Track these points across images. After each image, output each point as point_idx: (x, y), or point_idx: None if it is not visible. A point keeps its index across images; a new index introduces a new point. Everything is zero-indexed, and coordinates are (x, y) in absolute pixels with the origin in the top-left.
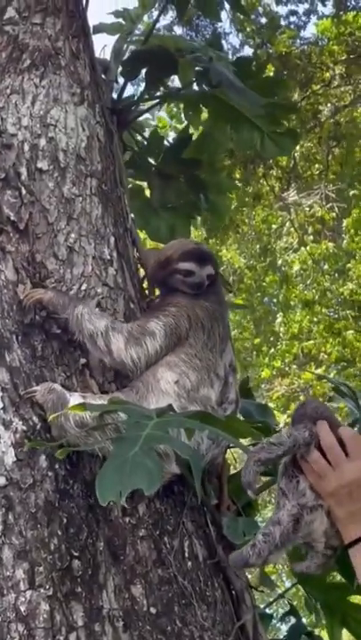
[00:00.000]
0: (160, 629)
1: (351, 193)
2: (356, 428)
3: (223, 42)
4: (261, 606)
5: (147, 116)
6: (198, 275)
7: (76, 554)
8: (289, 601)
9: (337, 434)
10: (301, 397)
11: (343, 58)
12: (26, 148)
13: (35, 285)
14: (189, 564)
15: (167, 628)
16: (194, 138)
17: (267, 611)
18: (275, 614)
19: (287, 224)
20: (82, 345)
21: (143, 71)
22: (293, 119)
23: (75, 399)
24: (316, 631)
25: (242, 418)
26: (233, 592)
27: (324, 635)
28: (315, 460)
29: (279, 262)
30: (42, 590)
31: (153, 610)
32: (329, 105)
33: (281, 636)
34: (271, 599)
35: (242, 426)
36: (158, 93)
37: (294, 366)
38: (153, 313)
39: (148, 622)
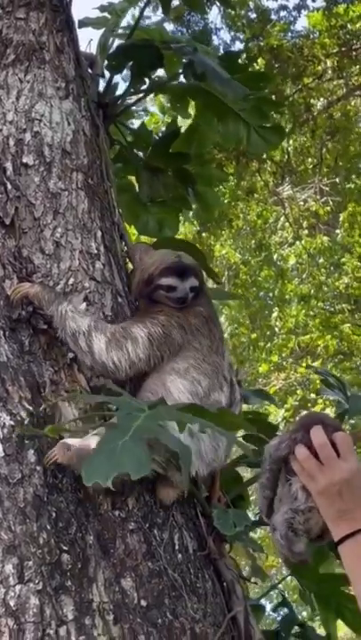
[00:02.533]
0: (151, 622)
1: (347, 186)
2: (344, 419)
3: (215, 37)
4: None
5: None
6: (180, 289)
7: (65, 548)
8: (281, 592)
9: (330, 436)
10: (299, 391)
11: (335, 51)
12: (11, 142)
13: (21, 280)
14: (179, 556)
15: (158, 621)
16: (182, 131)
17: (262, 602)
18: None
19: (282, 218)
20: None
21: (129, 64)
22: (286, 113)
23: (91, 440)
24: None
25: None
26: (224, 584)
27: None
28: (304, 459)
29: (274, 257)
30: (31, 585)
31: (143, 602)
32: (321, 99)
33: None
34: (269, 589)
35: (234, 418)
36: (145, 87)
37: (291, 360)
38: (141, 317)
39: (139, 615)
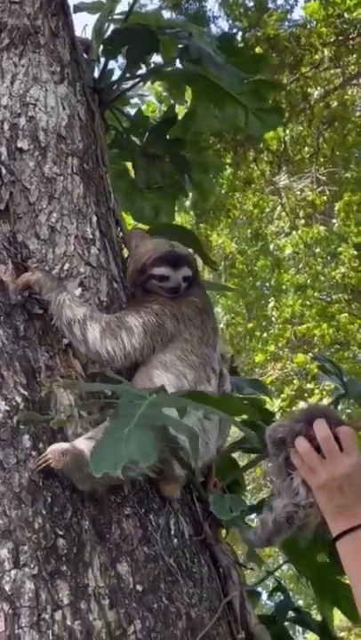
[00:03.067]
0: (146, 606)
1: (343, 176)
2: (341, 405)
3: (212, 26)
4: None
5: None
6: (173, 279)
7: (60, 532)
8: (277, 578)
9: (334, 431)
10: (295, 381)
11: (332, 40)
12: (5, 127)
13: (16, 265)
14: (175, 541)
15: (154, 605)
16: (179, 117)
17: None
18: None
19: (278, 208)
20: None
21: (125, 49)
22: (283, 102)
23: (83, 444)
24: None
25: None
26: (220, 569)
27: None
28: (305, 452)
29: (271, 247)
30: (27, 569)
31: (139, 587)
32: (318, 88)
33: None
34: (266, 576)
35: (235, 403)
36: (141, 72)
37: (287, 350)
38: (135, 306)
39: (135, 600)
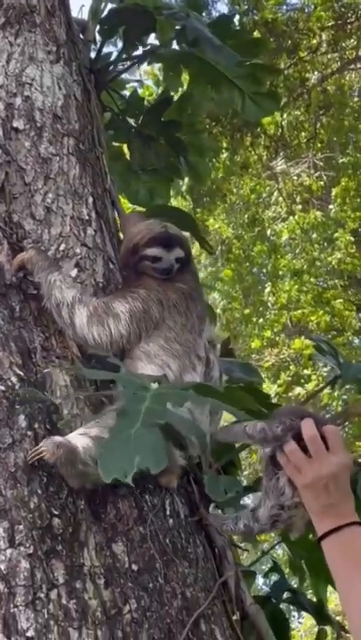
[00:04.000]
0: (142, 586)
1: (341, 161)
2: (337, 390)
3: (212, 10)
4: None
5: (126, 76)
6: (166, 260)
7: (56, 512)
8: (273, 558)
9: (320, 430)
10: (292, 367)
11: (330, 24)
12: (1, 107)
13: (11, 246)
14: (171, 521)
15: (149, 585)
16: (175, 99)
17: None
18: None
19: (275, 193)
20: None
21: (121, 30)
22: (281, 86)
23: (78, 441)
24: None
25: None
26: (215, 549)
27: None
28: (292, 451)
29: (268, 232)
30: (22, 548)
31: (135, 567)
32: (316, 72)
33: None
34: (261, 556)
35: (242, 395)
36: (137, 52)
37: (283, 336)
38: (122, 291)
39: (130, 579)
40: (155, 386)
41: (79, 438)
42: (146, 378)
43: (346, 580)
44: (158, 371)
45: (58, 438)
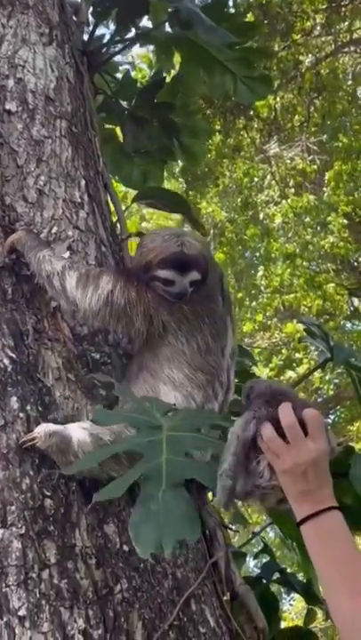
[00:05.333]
0: (133, 566)
1: (334, 145)
2: (327, 368)
3: None
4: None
5: (119, 58)
6: (179, 284)
7: (48, 493)
8: (263, 539)
9: (300, 415)
10: (284, 351)
11: (324, 7)
12: None
13: (3, 228)
14: None
15: (140, 565)
16: (167, 81)
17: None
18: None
19: (268, 177)
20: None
21: (114, 12)
22: (274, 69)
23: (75, 432)
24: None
25: None
26: (206, 531)
27: None
28: (270, 438)
29: (260, 215)
30: (14, 529)
31: (126, 547)
32: (310, 55)
33: None
34: (251, 537)
35: None
36: (130, 35)
37: (275, 320)
38: (120, 275)
39: (121, 560)
40: (166, 420)
41: (77, 431)
42: (155, 402)
43: (325, 563)
44: (183, 400)
45: (52, 427)
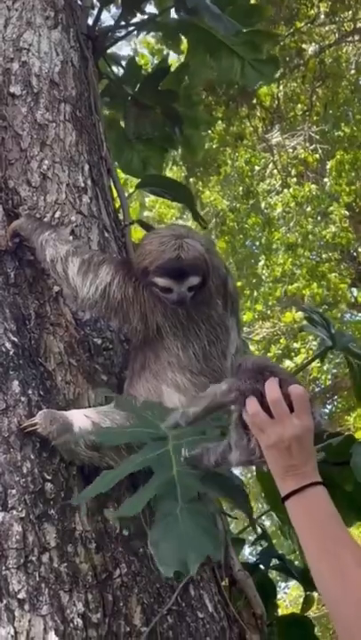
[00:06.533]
0: (132, 551)
1: (336, 134)
2: (328, 356)
3: None
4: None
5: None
6: (176, 292)
7: (48, 477)
8: (261, 526)
9: (285, 390)
10: (282, 340)
11: None
12: None
13: (7, 212)
14: None
15: (139, 550)
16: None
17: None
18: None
19: (270, 166)
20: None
21: None
22: (277, 56)
23: (77, 419)
24: None
25: None
26: None
27: None
28: (254, 412)
29: (262, 204)
30: (14, 512)
31: (125, 532)
32: (313, 44)
33: None
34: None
35: None
36: (135, 20)
37: (277, 309)
38: (121, 267)
39: (121, 544)
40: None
41: (80, 419)
42: (156, 410)
43: (310, 538)
44: (188, 403)
45: (54, 413)
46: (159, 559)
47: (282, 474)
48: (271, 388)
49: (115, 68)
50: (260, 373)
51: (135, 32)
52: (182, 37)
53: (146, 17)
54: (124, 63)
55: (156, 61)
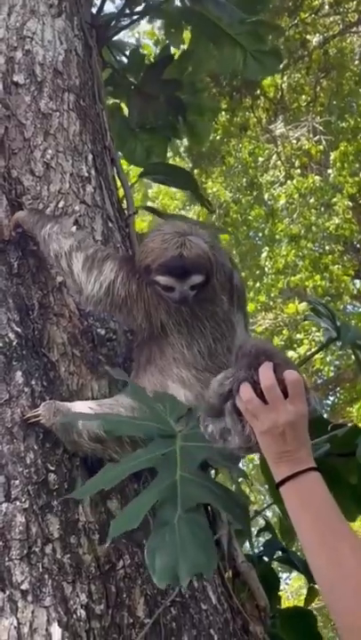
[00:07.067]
0: (135, 542)
1: (340, 125)
2: (330, 355)
3: None
4: None
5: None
6: (178, 290)
7: (52, 468)
8: (265, 517)
9: (280, 376)
10: (285, 331)
11: None
12: (1, 60)
13: (10, 202)
14: None
15: (142, 541)
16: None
17: None
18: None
19: (274, 157)
20: None
21: None
22: (281, 48)
23: (81, 411)
24: None
25: None
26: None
27: None
28: (248, 399)
29: (265, 196)
30: (18, 503)
31: None
32: (317, 35)
33: None
34: (254, 515)
35: None
36: (139, 8)
37: (280, 300)
38: (125, 264)
39: (124, 535)
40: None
41: (84, 411)
42: (170, 403)
43: (305, 524)
44: (193, 400)
45: (57, 404)
46: (153, 569)
47: (276, 459)
48: (265, 374)
49: (118, 57)
50: (257, 358)
51: (139, 21)
52: (185, 26)
53: (150, 2)
54: (128, 53)
55: (158, 50)
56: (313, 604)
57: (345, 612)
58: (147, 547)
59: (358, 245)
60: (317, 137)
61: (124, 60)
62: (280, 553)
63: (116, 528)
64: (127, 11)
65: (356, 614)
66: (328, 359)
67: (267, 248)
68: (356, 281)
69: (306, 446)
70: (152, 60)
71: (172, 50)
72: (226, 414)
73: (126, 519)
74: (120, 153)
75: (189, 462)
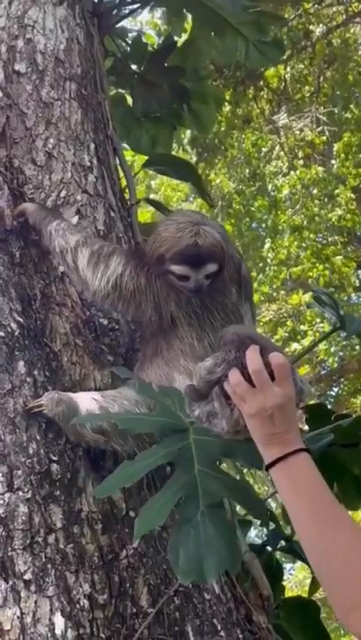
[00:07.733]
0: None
1: (343, 116)
2: (334, 346)
3: None
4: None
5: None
6: (194, 279)
7: (54, 458)
8: (268, 507)
9: (266, 359)
10: (289, 323)
11: None
12: (3, 49)
13: (12, 191)
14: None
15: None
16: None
17: None
18: None
19: (277, 148)
20: None
21: None
22: (284, 39)
23: (84, 402)
24: None
25: None
26: None
27: None
28: (236, 382)
29: (268, 187)
30: (20, 493)
31: (132, 514)
32: (321, 25)
33: None
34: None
35: None
36: None
37: (282, 292)
38: (131, 257)
39: (127, 525)
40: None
41: (87, 401)
42: (177, 397)
43: (296, 504)
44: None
45: (60, 395)
46: (177, 566)
47: (265, 442)
48: (252, 358)
49: (121, 44)
50: (243, 343)
51: (141, 9)
52: (187, 15)
53: None
54: (130, 41)
55: (161, 41)
56: (317, 595)
57: (335, 588)
58: (170, 544)
59: None
60: (321, 128)
61: (127, 48)
62: (283, 543)
63: (140, 527)
64: None
65: (345, 586)
66: (332, 350)
67: (269, 239)
68: (360, 272)
69: (294, 428)
70: (155, 48)
71: (175, 38)
72: (214, 398)
73: (150, 517)
74: (125, 142)
75: (204, 456)
